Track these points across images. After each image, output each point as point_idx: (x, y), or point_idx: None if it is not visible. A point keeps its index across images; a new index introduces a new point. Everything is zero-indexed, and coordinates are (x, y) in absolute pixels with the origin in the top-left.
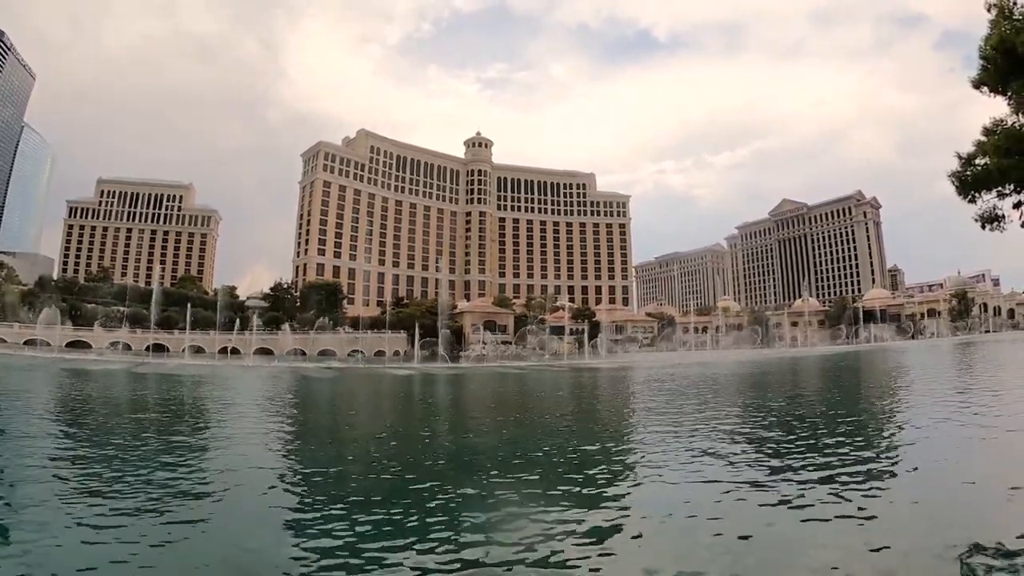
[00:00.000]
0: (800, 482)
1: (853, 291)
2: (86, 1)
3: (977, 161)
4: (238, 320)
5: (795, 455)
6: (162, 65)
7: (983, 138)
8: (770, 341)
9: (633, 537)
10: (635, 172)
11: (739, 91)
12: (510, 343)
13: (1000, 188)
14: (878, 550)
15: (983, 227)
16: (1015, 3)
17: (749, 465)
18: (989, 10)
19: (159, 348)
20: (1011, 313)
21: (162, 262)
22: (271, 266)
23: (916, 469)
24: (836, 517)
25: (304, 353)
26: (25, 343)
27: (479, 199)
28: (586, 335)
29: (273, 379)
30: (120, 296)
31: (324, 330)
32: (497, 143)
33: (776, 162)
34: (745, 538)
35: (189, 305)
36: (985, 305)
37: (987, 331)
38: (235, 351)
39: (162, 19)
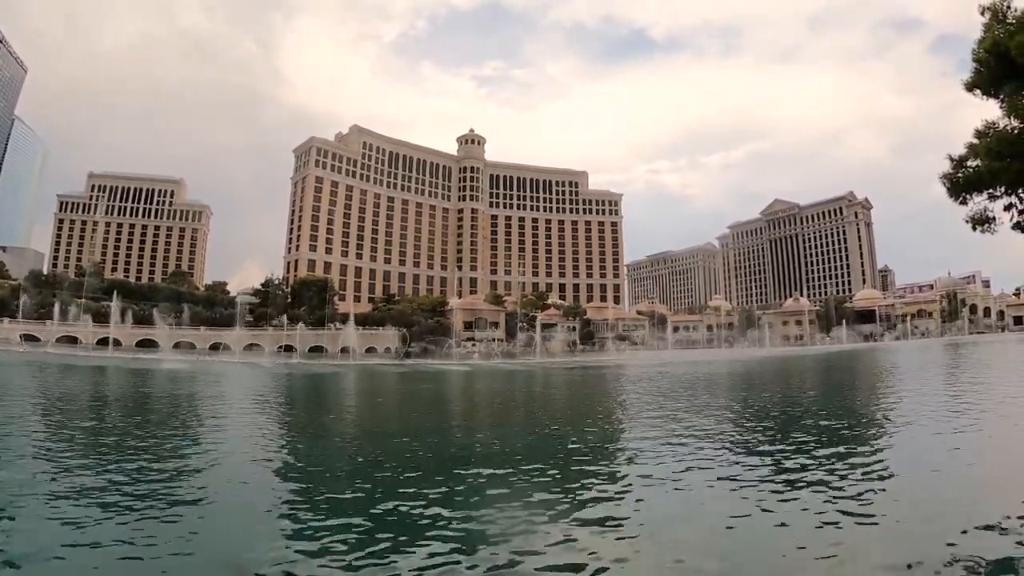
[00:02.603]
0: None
1: (844, 291)
2: None
3: (969, 163)
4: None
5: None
6: (157, 63)
7: (975, 140)
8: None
9: (625, 537)
10: (629, 171)
11: (735, 93)
12: (502, 341)
13: (991, 190)
14: (871, 547)
15: (974, 229)
16: (1008, 7)
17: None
18: (983, 13)
19: (148, 344)
20: (1001, 314)
21: (152, 257)
22: (262, 262)
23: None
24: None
25: (293, 349)
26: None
27: (471, 196)
28: (577, 333)
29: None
30: (111, 291)
31: (316, 326)
32: (493, 141)
33: (770, 163)
34: (739, 537)
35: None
36: (975, 306)
37: (973, 332)
38: (226, 347)
39: (158, 18)
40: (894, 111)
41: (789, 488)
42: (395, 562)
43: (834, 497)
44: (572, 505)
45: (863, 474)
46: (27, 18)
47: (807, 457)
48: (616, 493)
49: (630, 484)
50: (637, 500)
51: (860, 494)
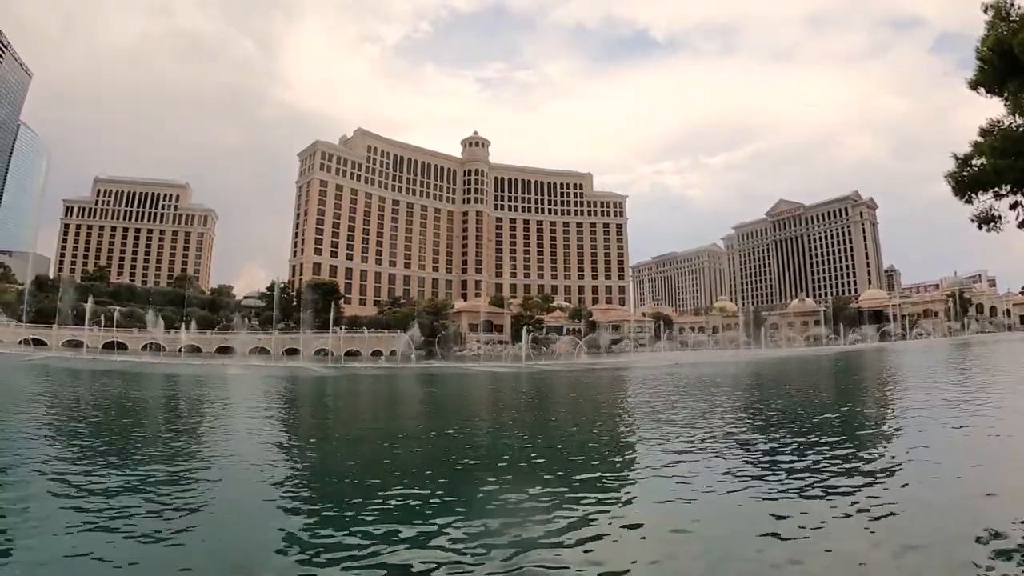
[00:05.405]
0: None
1: (850, 292)
2: None
3: (974, 162)
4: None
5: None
6: (157, 64)
7: (980, 139)
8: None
9: (627, 538)
10: (632, 172)
11: (736, 93)
12: (507, 343)
13: (997, 189)
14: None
15: (980, 227)
16: (1012, 4)
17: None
18: (986, 11)
19: (154, 348)
20: (1008, 313)
21: (158, 261)
22: (267, 265)
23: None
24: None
25: (297, 352)
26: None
27: (476, 199)
28: (582, 335)
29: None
30: (117, 295)
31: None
32: (495, 143)
33: (772, 163)
34: (743, 539)
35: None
36: (981, 305)
37: (979, 331)
38: (231, 350)
39: (157, 18)
40: (894, 111)
41: (803, 496)
42: (400, 563)
43: (862, 508)
44: (588, 509)
45: (881, 483)
46: (21, 16)
47: (827, 460)
48: (620, 496)
49: (654, 486)
50: (658, 503)
51: (885, 507)
